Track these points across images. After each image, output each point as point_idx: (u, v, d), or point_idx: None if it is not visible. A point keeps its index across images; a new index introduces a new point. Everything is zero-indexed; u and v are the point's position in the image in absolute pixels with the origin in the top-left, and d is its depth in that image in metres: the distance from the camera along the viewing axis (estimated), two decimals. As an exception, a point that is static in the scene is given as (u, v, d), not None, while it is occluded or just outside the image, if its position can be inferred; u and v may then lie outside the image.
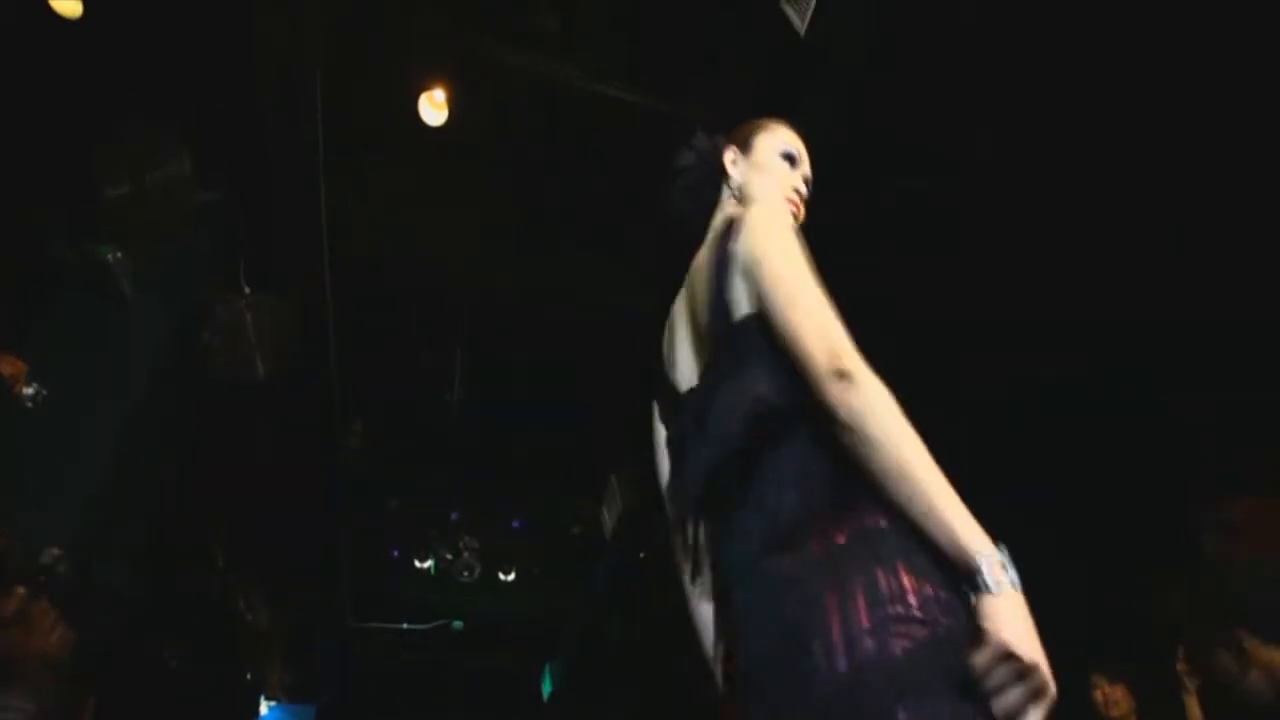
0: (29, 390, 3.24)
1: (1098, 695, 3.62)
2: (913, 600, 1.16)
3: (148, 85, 4.06)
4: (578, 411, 5.86)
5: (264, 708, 8.09)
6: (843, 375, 1.21)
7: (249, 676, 7.15)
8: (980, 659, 1.06)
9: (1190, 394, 4.06)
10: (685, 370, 1.61)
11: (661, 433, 1.70)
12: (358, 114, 4.58)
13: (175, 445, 4.91)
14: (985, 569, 1.12)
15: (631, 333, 3.56)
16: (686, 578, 1.62)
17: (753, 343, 1.38)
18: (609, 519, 6.11)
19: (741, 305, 1.43)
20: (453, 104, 4.37)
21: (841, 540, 1.23)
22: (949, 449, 1.27)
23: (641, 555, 6.36)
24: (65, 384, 3.80)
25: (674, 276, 1.78)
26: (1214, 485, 4.02)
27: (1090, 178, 3.73)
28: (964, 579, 1.14)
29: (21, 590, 1.44)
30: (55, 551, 2.58)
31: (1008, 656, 1.05)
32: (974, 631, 1.09)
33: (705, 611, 1.61)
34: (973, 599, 1.12)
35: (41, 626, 1.52)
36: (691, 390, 1.56)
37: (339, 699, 8.53)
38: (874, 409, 1.20)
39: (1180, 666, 3.24)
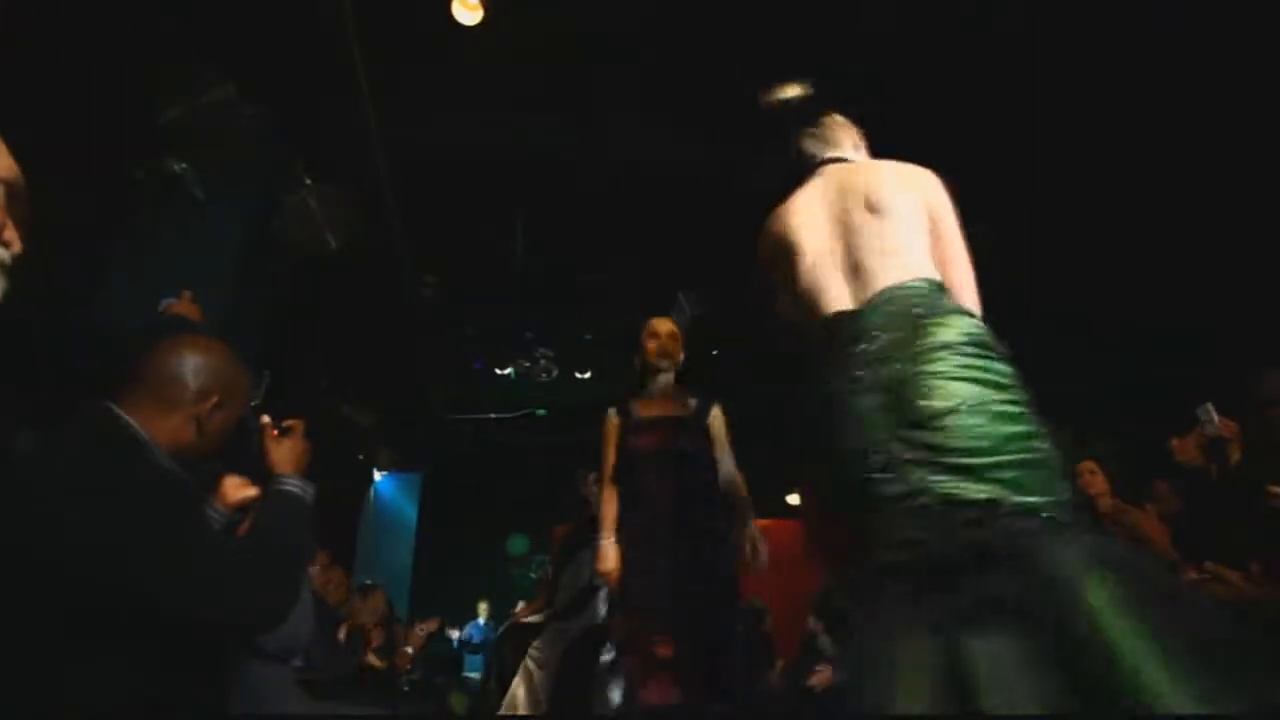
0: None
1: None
2: None
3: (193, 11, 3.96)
4: (633, 249, 5.87)
5: (378, 475, 9.39)
6: None
7: (360, 457, 7.91)
8: None
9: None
10: None
11: None
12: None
13: (269, 306, 5.12)
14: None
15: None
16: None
17: None
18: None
19: None
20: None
21: None
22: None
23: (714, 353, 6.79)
24: (160, 277, 3.84)
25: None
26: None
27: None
28: None
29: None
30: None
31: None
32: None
33: None
34: None
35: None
36: None
37: (441, 470, 9.63)
38: None
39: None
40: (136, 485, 1.40)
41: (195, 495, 1.73)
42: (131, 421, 1.52)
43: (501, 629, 5.86)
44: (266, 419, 1.80)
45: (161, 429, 1.56)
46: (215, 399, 1.62)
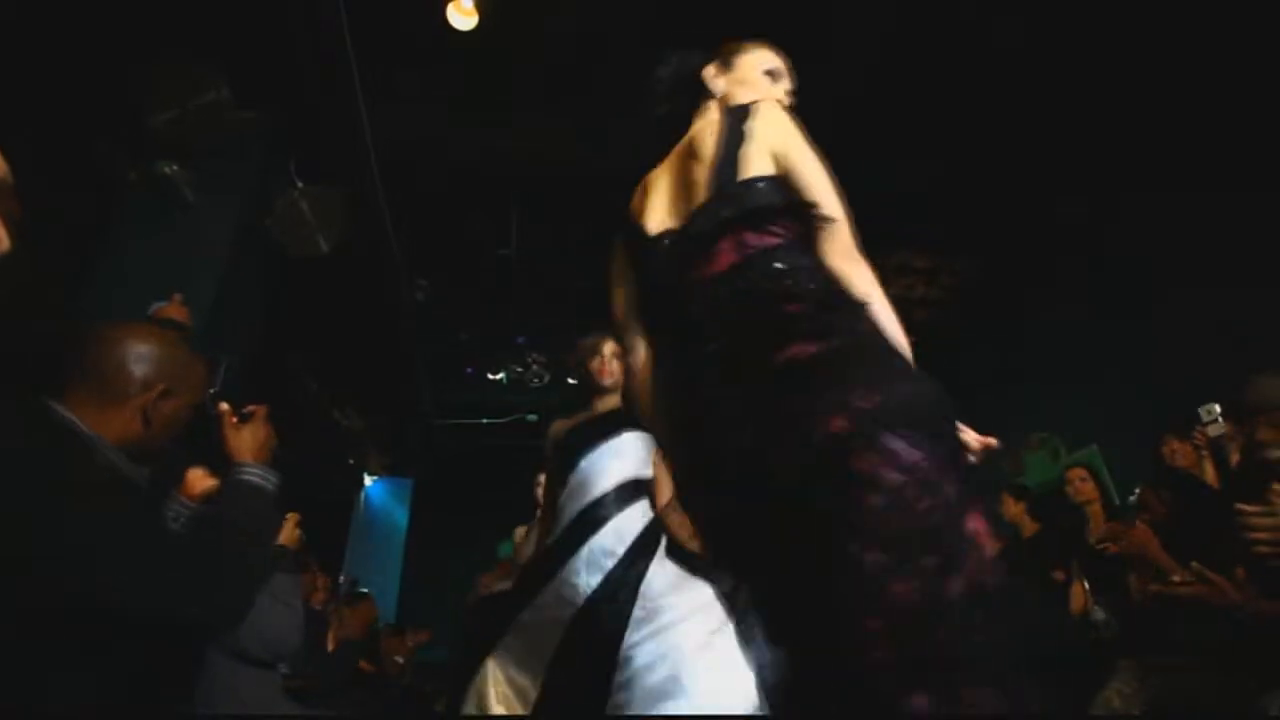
0: None
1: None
2: None
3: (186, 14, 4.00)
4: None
5: (368, 480, 9.46)
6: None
7: (351, 461, 7.92)
8: None
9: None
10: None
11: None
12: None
13: (259, 309, 5.14)
14: None
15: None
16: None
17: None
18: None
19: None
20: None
21: None
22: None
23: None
24: (150, 280, 3.93)
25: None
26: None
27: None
28: None
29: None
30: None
31: None
32: None
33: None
34: None
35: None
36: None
37: (432, 476, 9.66)
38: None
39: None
40: (70, 482, 1.32)
41: (149, 489, 1.64)
42: (68, 415, 1.45)
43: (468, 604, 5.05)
44: (225, 406, 1.71)
45: (108, 423, 1.49)
46: (161, 387, 1.54)
